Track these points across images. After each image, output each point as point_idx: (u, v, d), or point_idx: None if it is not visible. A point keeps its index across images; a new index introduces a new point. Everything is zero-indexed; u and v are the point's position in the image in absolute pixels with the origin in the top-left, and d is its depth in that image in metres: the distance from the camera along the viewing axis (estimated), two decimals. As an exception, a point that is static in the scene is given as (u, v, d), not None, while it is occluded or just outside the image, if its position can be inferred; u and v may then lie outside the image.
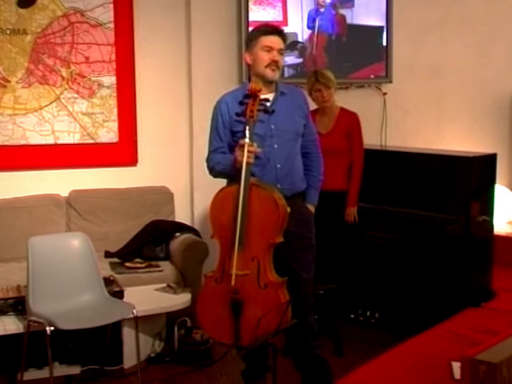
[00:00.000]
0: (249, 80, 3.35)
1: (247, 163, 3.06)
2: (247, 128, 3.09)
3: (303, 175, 3.41)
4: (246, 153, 3.05)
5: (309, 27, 5.31)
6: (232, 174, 3.22)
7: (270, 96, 3.27)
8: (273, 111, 3.22)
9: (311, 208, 3.43)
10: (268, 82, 3.27)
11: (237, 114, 3.19)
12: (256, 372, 3.46)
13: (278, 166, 3.26)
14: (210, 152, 3.37)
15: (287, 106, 3.31)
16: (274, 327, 2.91)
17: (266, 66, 3.22)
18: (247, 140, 3.07)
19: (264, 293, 3.08)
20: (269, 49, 3.22)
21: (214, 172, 3.35)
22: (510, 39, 5.97)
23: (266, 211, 3.10)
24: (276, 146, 3.25)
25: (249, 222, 3.10)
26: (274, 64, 3.22)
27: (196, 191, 5.16)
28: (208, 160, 3.38)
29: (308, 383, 3.48)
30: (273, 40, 3.23)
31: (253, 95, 3.13)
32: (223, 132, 3.30)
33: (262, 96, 3.16)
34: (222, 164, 3.28)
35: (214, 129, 3.34)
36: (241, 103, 3.17)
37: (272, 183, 3.21)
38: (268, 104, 3.23)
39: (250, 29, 4.86)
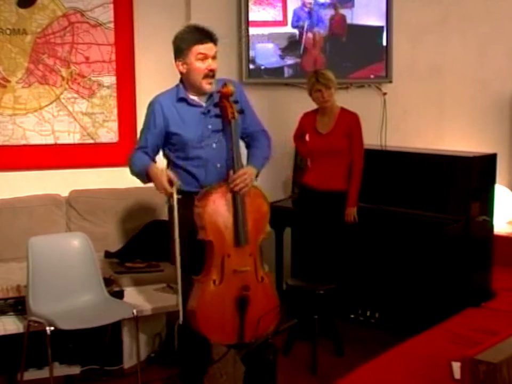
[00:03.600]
0: (181, 81, 3.24)
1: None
2: (233, 129, 3.11)
3: None
4: (175, 197, 3.08)
5: (307, 27, 5.30)
6: (144, 181, 3.24)
7: (203, 98, 3.21)
8: (209, 111, 3.19)
9: (253, 170, 3.19)
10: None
11: (217, 116, 3.18)
12: (255, 372, 3.45)
13: (218, 165, 3.22)
14: (135, 148, 3.31)
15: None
16: (274, 327, 2.91)
17: (203, 78, 3.13)
18: (179, 182, 3.11)
19: (262, 286, 3.21)
20: (204, 56, 3.13)
21: (131, 170, 3.29)
22: (510, 39, 5.98)
23: (259, 207, 3.20)
24: (214, 146, 3.21)
25: (247, 219, 3.14)
26: (211, 73, 3.14)
27: (196, 191, 5.15)
28: (130, 156, 3.29)
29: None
30: (207, 47, 3.13)
31: (225, 96, 3.11)
32: (152, 133, 3.23)
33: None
34: (138, 167, 3.24)
35: (145, 128, 3.27)
36: (215, 105, 3.16)
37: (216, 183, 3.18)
38: (204, 105, 3.20)
39: (246, 27, 4.86)
